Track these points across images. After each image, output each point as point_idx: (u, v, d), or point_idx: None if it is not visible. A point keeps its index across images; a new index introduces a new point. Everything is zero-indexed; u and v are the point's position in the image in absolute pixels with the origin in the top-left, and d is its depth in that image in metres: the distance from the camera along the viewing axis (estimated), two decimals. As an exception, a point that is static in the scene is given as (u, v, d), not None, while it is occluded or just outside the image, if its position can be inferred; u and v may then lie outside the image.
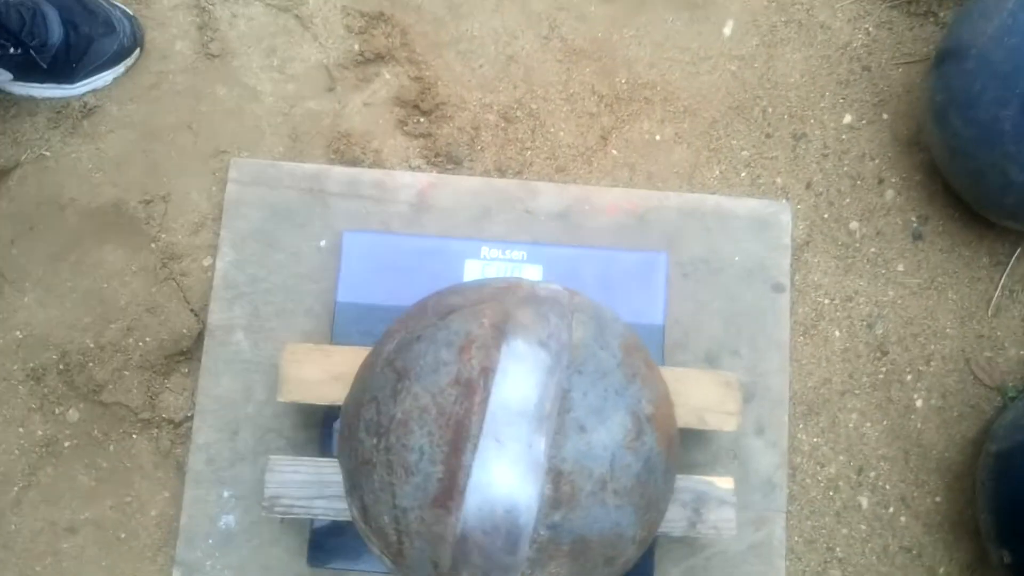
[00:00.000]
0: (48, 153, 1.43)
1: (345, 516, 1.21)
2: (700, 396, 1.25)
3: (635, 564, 1.05)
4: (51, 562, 1.33)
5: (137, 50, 1.46)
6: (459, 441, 0.90)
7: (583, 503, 0.91)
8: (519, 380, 0.77)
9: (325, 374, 1.24)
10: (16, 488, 1.34)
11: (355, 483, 0.99)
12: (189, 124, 1.45)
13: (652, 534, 1.02)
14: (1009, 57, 1.17)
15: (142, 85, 1.46)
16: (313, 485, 1.22)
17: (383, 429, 0.96)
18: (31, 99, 1.43)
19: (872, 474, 1.37)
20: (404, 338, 1.01)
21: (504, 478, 0.74)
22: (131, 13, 1.47)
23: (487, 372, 0.92)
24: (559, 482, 0.90)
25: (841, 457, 1.37)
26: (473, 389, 0.92)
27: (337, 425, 1.32)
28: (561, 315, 0.82)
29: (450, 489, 0.89)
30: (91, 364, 1.37)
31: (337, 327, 1.34)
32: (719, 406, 1.25)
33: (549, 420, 0.77)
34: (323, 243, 1.39)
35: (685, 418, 1.24)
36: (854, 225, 1.44)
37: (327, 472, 1.23)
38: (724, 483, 1.24)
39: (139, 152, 1.43)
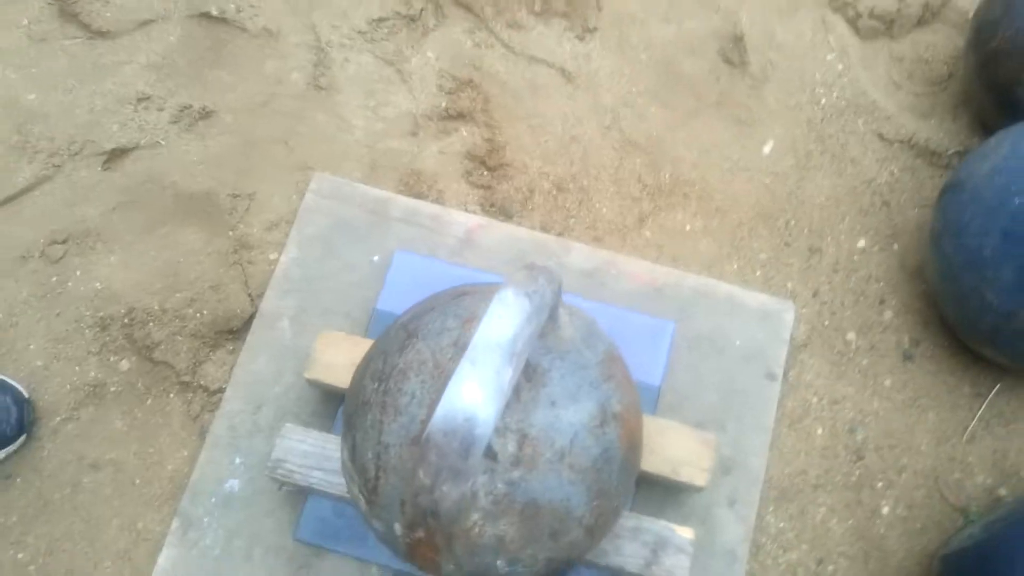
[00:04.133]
0: (164, 143, 1.65)
1: (337, 490, 1.33)
2: (678, 448, 1.35)
3: (577, 559, 1.14)
4: (69, 492, 1.46)
5: (22, 437, 1.47)
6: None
7: (540, 468, 1.03)
8: (501, 320, 0.92)
9: (350, 361, 1.38)
10: (58, 419, 1.49)
11: (351, 424, 1.12)
12: (286, 140, 1.67)
13: (600, 526, 1.12)
14: (996, 194, 1.33)
15: (255, 102, 1.69)
16: (315, 456, 1.35)
17: (385, 376, 1.10)
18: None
19: (831, 567, 1.44)
20: (421, 307, 1.17)
21: (470, 394, 0.88)
22: (25, 396, 1.49)
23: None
24: (523, 443, 1.03)
25: (804, 546, 1.45)
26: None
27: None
28: (549, 280, 0.98)
29: (430, 432, 1.02)
30: (152, 324, 1.54)
31: (371, 331, 1.49)
32: (694, 461, 1.35)
33: (518, 358, 0.91)
34: (376, 258, 1.56)
35: (660, 467, 1.34)
36: (851, 336, 1.56)
37: (330, 448, 1.36)
38: (685, 532, 1.32)
39: (239, 155, 1.65)
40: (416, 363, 1.09)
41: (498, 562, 1.07)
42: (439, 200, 1.63)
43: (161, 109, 1.67)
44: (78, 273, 1.56)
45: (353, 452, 1.12)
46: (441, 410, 0.88)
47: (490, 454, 1.02)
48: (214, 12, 1.75)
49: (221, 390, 1.51)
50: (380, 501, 1.08)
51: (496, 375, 0.89)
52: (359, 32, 1.76)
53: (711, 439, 1.36)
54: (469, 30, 1.78)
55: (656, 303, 1.54)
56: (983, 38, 1.57)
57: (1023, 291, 1.30)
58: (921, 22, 1.79)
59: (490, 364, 0.89)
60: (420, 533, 1.05)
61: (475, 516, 1.03)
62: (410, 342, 1.11)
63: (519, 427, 1.03)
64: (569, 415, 1.06)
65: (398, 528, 1.07)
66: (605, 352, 1.15)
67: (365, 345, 1.39)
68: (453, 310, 1.13)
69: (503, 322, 0.92)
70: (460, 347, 1.07)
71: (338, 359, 1.40)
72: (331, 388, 1.41)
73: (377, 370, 1.12)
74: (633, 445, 1.15)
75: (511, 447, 1.03)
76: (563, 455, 1.05)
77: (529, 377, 1.05)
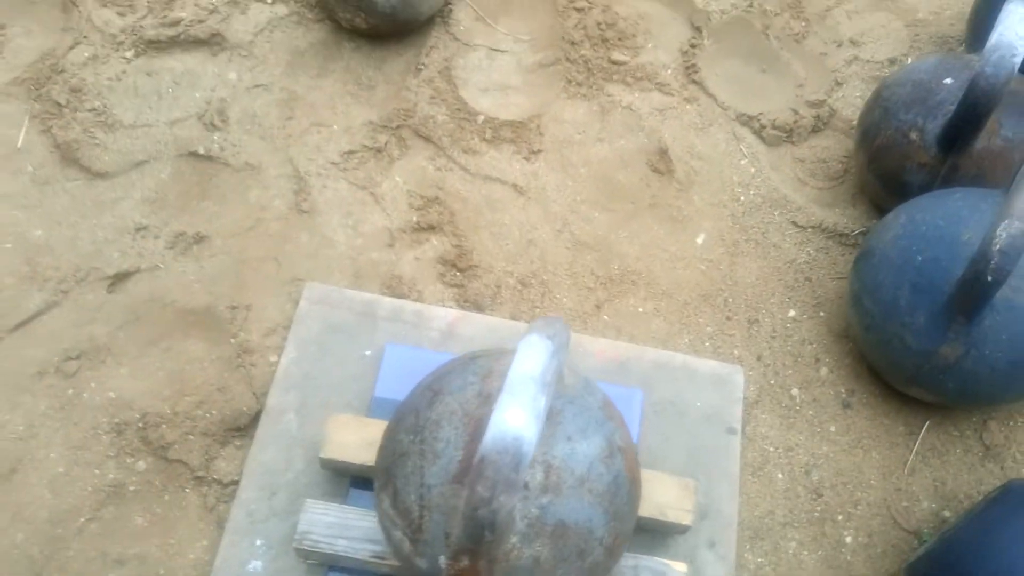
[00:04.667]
0: (162, 266, 1.81)
1: (361, 555, 1.45)
2: (663, 494, 1.53)
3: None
4: (95, 590, 1.54)
5: None
6: (477, 433, 1.20)
7: (565, 493, 1.20)
8: (531, 358, 1.10)
9: (360, 440, 1.53)
10: (82, 519, 1.58)
11: (390, 474, 1.27)
12: (275, 257, 1.84)
13: (616, 547, 1.28)
14: (901, 254, 1.62)
15: (243, 227, 1.87)
16: (338, 526, 1.48)
17: (419, 428, 1.26)
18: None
19: (806, 595, 1.62)
20: (440, 372, 1.34)
21: (515, 418, 1.04)
22: None
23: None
24: (549, 473, 1.20)
25: (780, 577, 1.63)
26: (491, 400, 1.23)
27: (354, 492, 1.59)
28: (563, 327, 1.17)
29: (467, 468, 1.18)
30: (164, 426, 1.66)
31: (371, 415, 1.64)
32: (678, 504, 1.53)
33: (549, 387, 1.09)
34: (368, 353, 1.72)
35: (649, 511, 1.51)
36: (795, 392, 1.79)
37: (351, 518, 1.49)
38: (679, 567, 1.49)
39: (232, 273, 1.82)
40: (447, 414, 1.25)
41: (533, 585, 1.22)
42: (419, 299, 1.82)
43: (157, 237, 1.83)
44: (92, 385, 1.67)
45: (395, 499, 1.26)
46: (491, 433, 1.05)
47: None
48: (201, 151, 1.94)
49: (234, 482, 1.62)
50: (424, 538, 1.22)
51: (533, 401, 1.06)
52: (332, 163, 1.97)
53: (690, 483, 1.54)
54: (430, 157, 2.02)
55: (622, 376, 1.74)
56: (868, 138, 1.89)
57: (936, 332, 1.55)
58: (815, 130, 2.12)
59: (527, 393, 1.07)
60: (464, 562, 1.19)
61: (514, 539, 1.18)
62: (438, 398, 1.28)
63: (544, 459, 1.21)
64: (583, 448, 1.24)
65: (442, 561, 1.21)
66: (603, 398, 1.34)
67: (373, 425, 1.54)
68: (471, 369, 1.31)
69: (532, 360, 1.10)
70: (484, 396, 1.25)
71: (349, 438, 1.54)
72: (344, 465, 1.54)
73: (411, 424, 1.28)
74: (635, 476, 1.33)
75: (539, 476, 1.20)
76: (583, 481, 1.22)
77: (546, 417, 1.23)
